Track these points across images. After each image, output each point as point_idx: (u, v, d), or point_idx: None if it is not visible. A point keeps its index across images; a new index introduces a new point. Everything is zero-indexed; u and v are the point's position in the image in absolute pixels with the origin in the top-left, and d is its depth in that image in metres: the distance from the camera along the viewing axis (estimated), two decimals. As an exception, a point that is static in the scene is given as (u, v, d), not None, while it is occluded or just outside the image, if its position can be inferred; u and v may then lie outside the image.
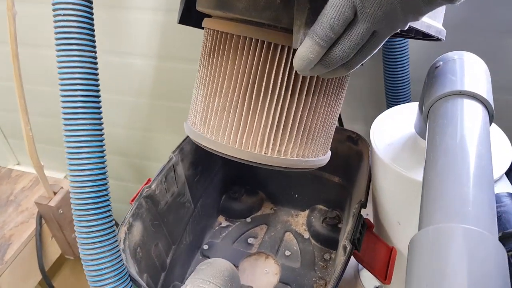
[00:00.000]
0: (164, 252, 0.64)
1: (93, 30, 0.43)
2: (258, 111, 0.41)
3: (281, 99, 0.40)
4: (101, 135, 0.45)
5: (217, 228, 0.77)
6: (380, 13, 0.29)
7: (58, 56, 0.42)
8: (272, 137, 0.41)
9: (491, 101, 0.40)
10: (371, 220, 0.62)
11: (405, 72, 0.67)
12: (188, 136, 0.51)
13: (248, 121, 0.41)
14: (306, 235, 0.75)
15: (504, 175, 0.51)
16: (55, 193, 0.68)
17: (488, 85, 0.42)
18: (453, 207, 0.29)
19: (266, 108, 0.40)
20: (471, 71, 0.43)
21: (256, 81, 0.40)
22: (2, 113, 1.06)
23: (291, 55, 0.39)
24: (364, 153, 0.65)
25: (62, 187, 0.70)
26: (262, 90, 0.40)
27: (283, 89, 0.40)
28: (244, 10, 0.38)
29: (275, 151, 0.42)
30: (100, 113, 0.44)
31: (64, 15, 0.41)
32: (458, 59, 0.45)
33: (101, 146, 0.45)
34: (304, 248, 0.72)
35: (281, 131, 0.41)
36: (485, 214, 0.29)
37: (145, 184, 0.60)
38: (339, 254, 0.54)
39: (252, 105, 0.41)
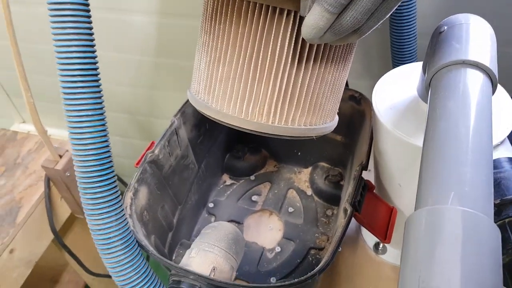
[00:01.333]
0: (171, 213, 0.66)
1: None
2: (264, 80, 0.39)
3: (288, 67, 0.39)
4: (102, 107, 0.45)
5: (221, 186, 0.79)
6: None
7: (52, 28, 0.41)
8: (279, 106, 0.41)
9: (495, 70, 0.40)
10: (372, 181, 0.63)
11: (412, 27, 0.65)
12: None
13: (254, 90, 0.40)
14: (309, 192, 0.76)
15: (507, 139, 0.50)
16: (60, 156, 0.70)
17: (493, 52, 0.41)
18: (450, 188, 0.30)
19: (272, 77, 0.39)
20: (476, 38, 0.41)
21: (262, 48, 0.39)
22: (3, 71, 1.05)
23: (297, 21, 0.37)
24: (367, 113, 0.65)
25: (67, 150, 0.70)
26: (268, 58, 0.39)
27: (290, 57, 0.38)
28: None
29: (282, 120, 0.41)
30: (99, 85, 0.44)
31: None
32: (464, 24, 0.43)
33: (103, 119, 0.45)
34: (307, 204, 0.74)
35: (288, 99, 0.41)
36: (481, 195, 0.29)
37: (148, 149, 0.61)
38: (340, 217, 0.55)
39: (258, 73, 0.39)
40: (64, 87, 0.42)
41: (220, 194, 0.78)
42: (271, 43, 0.38)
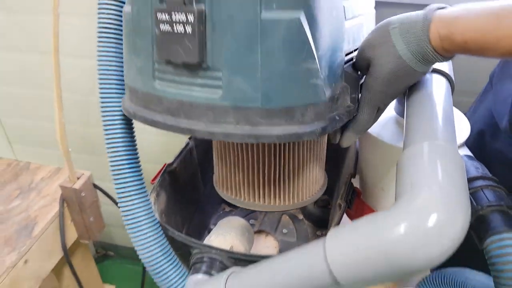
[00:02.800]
0: (180, 227, 0.73)
1: None
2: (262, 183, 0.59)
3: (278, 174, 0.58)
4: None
5: (221, 212, 0.86)
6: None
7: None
8: (277, 197, 0.60)
9: (453, 76, 0.54)
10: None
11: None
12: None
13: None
14: (300, 216, 0.85)
15: (464, 144, 0.64)
16: (78, 178, 0.76)
17: (450, 65, 0.56)
18: (427, 133, 0.41)
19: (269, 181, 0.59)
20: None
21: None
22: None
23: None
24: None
25: (83, 173, 0.78)
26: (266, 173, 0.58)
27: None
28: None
29: (280, 203, 0.60)
30: None
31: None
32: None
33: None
34: (299, 227, 0.82)
35: (280, 194, 0.60)
36: (449, 136, 0.41)
37: (166, 165, 0.70)
38: (335, 211, 0.65)
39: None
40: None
41: (220, 218, 0.85)
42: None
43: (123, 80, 0.53)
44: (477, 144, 0.66)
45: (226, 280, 0.47)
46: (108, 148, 0.54)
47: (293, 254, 0.41)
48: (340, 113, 0.46)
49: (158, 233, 0.56)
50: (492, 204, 0.47)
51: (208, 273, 0.53)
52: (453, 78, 0.54)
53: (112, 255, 1.59)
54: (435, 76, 0.52)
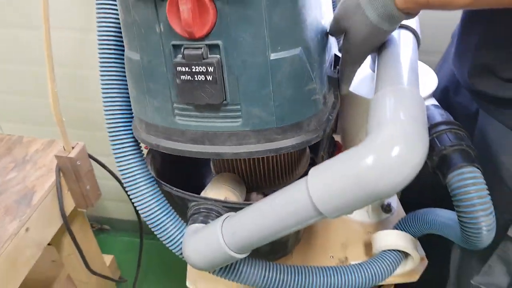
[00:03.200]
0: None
1: None
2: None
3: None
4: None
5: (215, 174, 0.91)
6: None
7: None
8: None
9: (419, 31, 0.59)
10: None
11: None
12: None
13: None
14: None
15: (432, 95, 0.69)
16: (72, 148, 0.80)
17: (417, 21, 0.61)
18: (392, 79, 0.47)
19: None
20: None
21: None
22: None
23: None
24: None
25: (77, 143, 0.81)
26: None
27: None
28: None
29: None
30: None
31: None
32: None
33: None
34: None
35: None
36: (411, 81, 0.47)
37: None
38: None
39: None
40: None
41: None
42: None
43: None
44: (442, 99, 0.72)
45: (223, 223, 0.52)
46: (105, 107, 0.58)
47: (280, 193, 0.47)
48: (331, 112, 0.55)
49: (155, 189, 0.60)
50: (453, 144, 0.54)
51: (205, 222, 0.58)
52: (419, 34, 0.59)
53: (107, 229, 1.62)
54: (403, 32, 0.58)
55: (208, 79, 0.45)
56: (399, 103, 0.42)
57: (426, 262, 0.76)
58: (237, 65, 0.45)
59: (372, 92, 0.68)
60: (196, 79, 0.45)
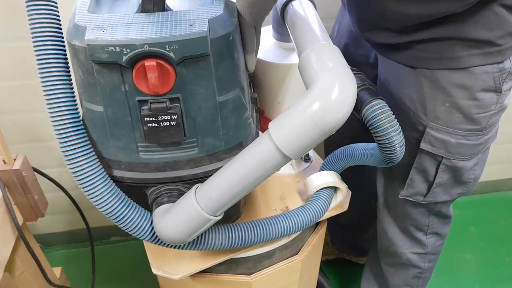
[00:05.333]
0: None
1: None
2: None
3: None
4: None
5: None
6: None
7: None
8: None
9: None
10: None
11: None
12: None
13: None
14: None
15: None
16: (14, 159, 0.81)
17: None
18: (311, 39, 0.59)
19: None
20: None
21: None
22: None
23: None
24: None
25: (18, 154, 0.82)
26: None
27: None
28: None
29: None
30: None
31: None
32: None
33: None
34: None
35: None
36: (326, 38, 0.60)
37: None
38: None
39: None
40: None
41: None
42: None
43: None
44: (344, 55, 0.86)
45: (195, 192, 0.59)
46: (50, 109, 0.55)
47: (245, 152, 0.57)
48: (257, 125, 0.69)
49: (111, 185, 0.60)
50: (360, 85, 0.67)
51: (171, 201, 0.62)
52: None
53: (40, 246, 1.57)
54: (303, 1, 0.70)
55: (172, 124, 0.55)
56: (323, 55, 0.54)
57: (350, 192, 0.89)
58: (193, 110, 0.56)
59: (280, 57, 0.80)
60: (161, 125, 0.55)
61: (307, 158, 0.99)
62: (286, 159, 0.53)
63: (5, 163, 0.82)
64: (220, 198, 0.58)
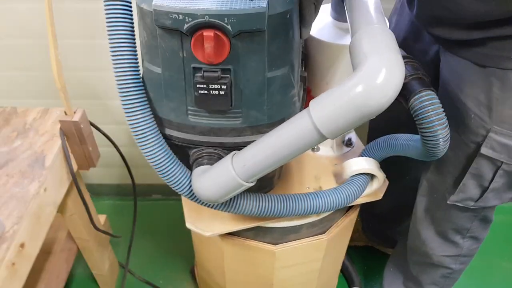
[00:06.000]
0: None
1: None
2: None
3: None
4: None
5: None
6: None
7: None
8: None
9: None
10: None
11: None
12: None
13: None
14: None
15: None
16: (74, 112, 0.88)
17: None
18: (366, 21, 0.60)
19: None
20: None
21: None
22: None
23: None
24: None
25: (78, 108, 0.89)
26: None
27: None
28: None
29: None
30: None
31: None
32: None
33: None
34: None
35: None
36: (381, 21, 0.60)
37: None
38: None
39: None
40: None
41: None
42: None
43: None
44: (402, 48, 0.85)
45: (232, 158, 0.62)
46: (115, 67, 0.59)
47: (284, 126, 0.58)
48: (303, 89, 0.71)
49: (162, 141, 0.64)
50: (411, 74, 0.66)
51: (210, 163, 0.65)
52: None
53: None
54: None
55: (221, 93, 0.59)
56: (375, 38, 0.54)
57: (387, 182, 0.88)
58: (242, 83, 0.59)
59: (334, 37, 0.80)
60: (211, 93, 0.59)
61: (349, 143, 0.98)
62: (322, 137, 0.54)
63: (66, 114, 0.88)
64: (254, 166, 0.60)
